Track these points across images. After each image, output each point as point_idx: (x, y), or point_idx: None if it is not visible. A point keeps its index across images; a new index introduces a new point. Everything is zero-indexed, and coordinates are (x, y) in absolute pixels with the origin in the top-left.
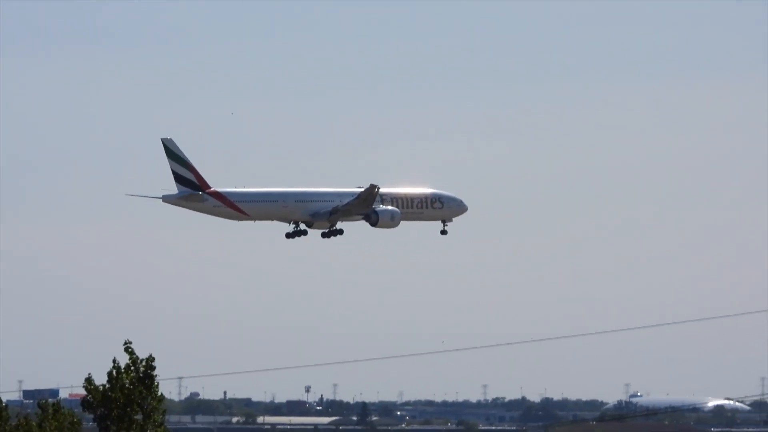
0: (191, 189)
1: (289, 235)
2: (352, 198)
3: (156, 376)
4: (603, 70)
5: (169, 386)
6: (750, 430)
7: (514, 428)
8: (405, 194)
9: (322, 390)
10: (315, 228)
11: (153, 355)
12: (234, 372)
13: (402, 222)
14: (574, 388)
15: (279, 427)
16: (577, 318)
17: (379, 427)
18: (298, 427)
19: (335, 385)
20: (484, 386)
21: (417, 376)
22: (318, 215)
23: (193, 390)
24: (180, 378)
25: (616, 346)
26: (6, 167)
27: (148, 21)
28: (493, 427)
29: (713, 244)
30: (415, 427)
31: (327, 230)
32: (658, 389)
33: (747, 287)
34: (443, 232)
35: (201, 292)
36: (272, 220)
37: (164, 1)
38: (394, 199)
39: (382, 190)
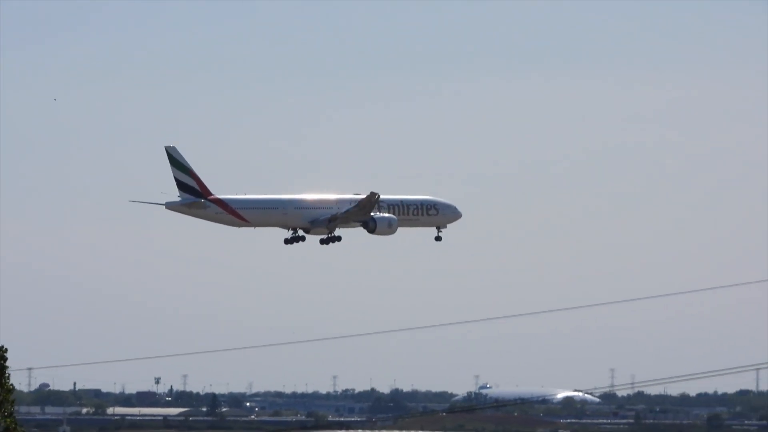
0: (193, 196)
1: (287, 241)
2: (350, 205)
3: (7, 367)
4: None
5: (19, 377)
6: (599, 421)
7: (364, 419)
8: (401, 201)
9: (172, 381)
10: (313, 234)
11: (5, 346)
12: (83, 363)
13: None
14: (423, 380)
15: (128, 418)
16: (427, 310)
17: (228, 419)
18: (148, 418)
19: (185, 376)
20: (334, 377)
21: (267, 368)
22: (317, 222)
23: (42, 381)
24: (30, 369)
25: (466, 338)
26: (9, 170)
27: (153, 27)
28: (343, 419)
29: (562, 238)
30: (265, 418)
31: (326, 237)
32: (508, 381)
33: (596, 280)
34: (438, 239)
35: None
36: (272, 226)
37: (169, 5)
38: (390, 205)
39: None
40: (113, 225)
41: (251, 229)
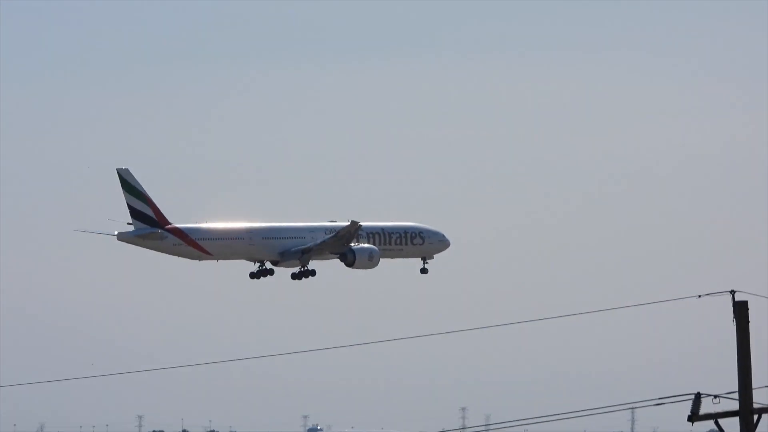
0: (149, 225)
1: (253, 275)
2: (325, 234)
3: None
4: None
5: None
6: None
7: None
8: (382, 229)
9: None
10: (282, 267)
11: None
12: None
13: None
14: (241, 420)
15: None
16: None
17: None
18: None
19: None
20: (140, 417)
21: (62, 404)
22: (288, 254)
23: None
24: None
25: (292, 374)
26: None
27: (102, 38)
28: None
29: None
30: None
31: (298, 271)
32: (342, 421)
33: (435, 310)
34: (423, 271)
35: None
36: (237, 259)
37: (120, 20)
38: (369, 234)
39: (348, 224)
40: (55, 258)
41: (213, 262)
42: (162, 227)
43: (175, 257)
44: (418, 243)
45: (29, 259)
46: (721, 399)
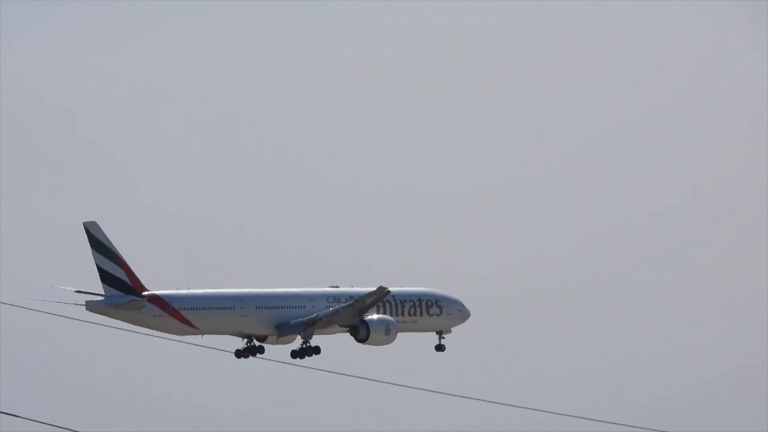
0: (123, 292)
1: (239, 353)
2: (329, 303)
3: None
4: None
5: None
6: None
7: None
8: (393, 296)
9: None
10: (270, 343)
11: None
12: None
13: None
14: None
15: None
16: None
17: None
18: None
19: None
20: None
21: None
22: (287, 327)
23: None
24: None
25: None
26: None
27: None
28: None
29: None
30: None
31: (299, 348)
32: None
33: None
34: (440, 348)
35: None
36: (225, 333)
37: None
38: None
39: (356, 290)
40: (7, 331)
41: (197, 338)
42: (138, 295)
43: (153, 332)
44: (435, 313)
45: None
46: None
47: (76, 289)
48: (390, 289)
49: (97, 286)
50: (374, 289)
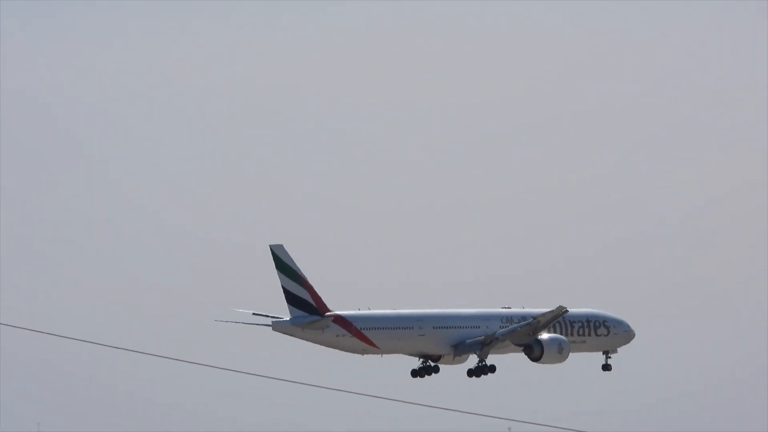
0: (307, 312)
1: (415, 373)
2: (502, 323)
3: None
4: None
5: None
6: None
7: None
8: (563, 316)
9: None
10: (445, 363)
11: None
12: None
13: None
14: None
15: None
16: None
17: None
18: None
19: None
20: None
21: None
22: (462, 347)
23: None
24: None
25: None
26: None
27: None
28: None
29: None
30: None
31: (475, 366)
32: None
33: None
34: (606, 367)
35: None
36: (404, 353)
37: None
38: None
39: (527, 310)
40: (196, 350)
41: (377, 357)
42: (322, 315)
43: (336, 350)
44: (603, 334)
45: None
46: None
47: (253, 312)
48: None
49: (280, 308)
50: (552, 309)
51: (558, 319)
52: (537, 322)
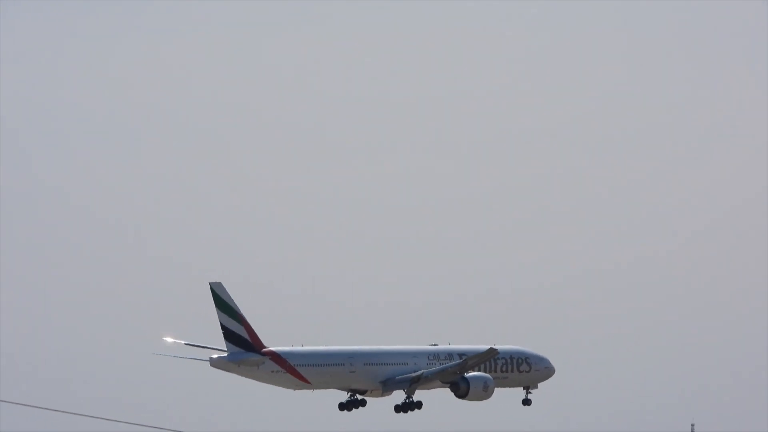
0: (244, 349)
1: (342, 407)
2: (429, 360)
3: None
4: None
5: None
6: None
7: None
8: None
9: None
10: (371, 396)
11: None
12: None
13: None
14: None
15: None
16: None
17: None
18: None
19: None
20: None
21: None
22: (391, 383)
23: None
24: None
25: None
26: None
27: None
28: None
29: None
30: None
31: (402, 402)
32: None
33: None
34: (527, 402)
35: None
36: (335, 388)
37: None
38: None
39: (453, 347)
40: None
41: (308, 392)
42: (258, 351)
43: (269, 386)
44: (525, 370)
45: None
46: None
47: (185, 342)
48: (484, 347)
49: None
50: (484, 350)
51: (487, 359)
52: (466, 363)
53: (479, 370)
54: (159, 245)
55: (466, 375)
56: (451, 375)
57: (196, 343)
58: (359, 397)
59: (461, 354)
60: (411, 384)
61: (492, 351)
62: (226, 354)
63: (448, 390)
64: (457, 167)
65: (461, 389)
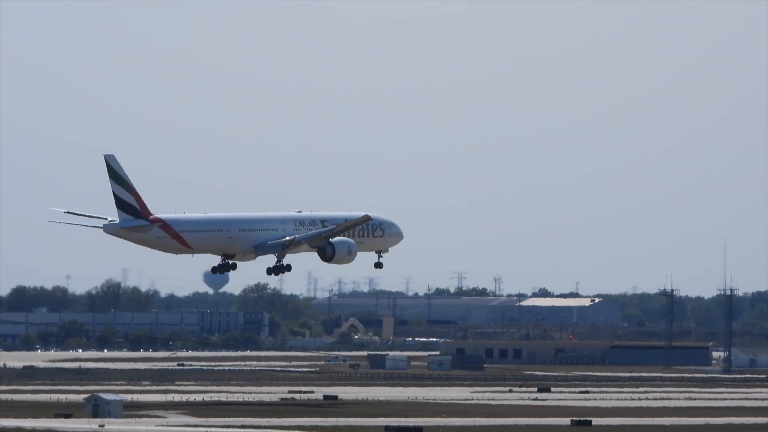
0: (133, 216)
1: (215, 270)
2: (295, 225)
3: None
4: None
5: None
6: None
7: None
8: (345, 219)
9: None
10: (239, 260)
11: None
12: None
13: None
14: None
15: None
16: None
17: None
18: None
19: None
20: None
21: None
22: (263, 247)
23: None
24: None
25: None
26: None
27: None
28: None
29: None
30: None
31: (273, 265)
32: None
33: None
34: (378, 265)
35: None
36: (214, 253)
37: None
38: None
39: (316, 214)
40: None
41: (189, 256)
42: (146, 219)
43: (155, 250)
44: (379, 235)
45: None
46: None
47: (65, 210)
48: (342, 214)
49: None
50: (358, 216)
51: (360, 225)
52: (341, 228)
53: (343, 237)
54: (58, 121)
55: (332, 240)
56: (321, 240)
57: (77, 212)
58: (230, 261)
59: (323, 220)
60: (282, 248)
61: (366, 217)
62: (117, 221)
63: (314, 254)
64: None
65: (327, 253)
